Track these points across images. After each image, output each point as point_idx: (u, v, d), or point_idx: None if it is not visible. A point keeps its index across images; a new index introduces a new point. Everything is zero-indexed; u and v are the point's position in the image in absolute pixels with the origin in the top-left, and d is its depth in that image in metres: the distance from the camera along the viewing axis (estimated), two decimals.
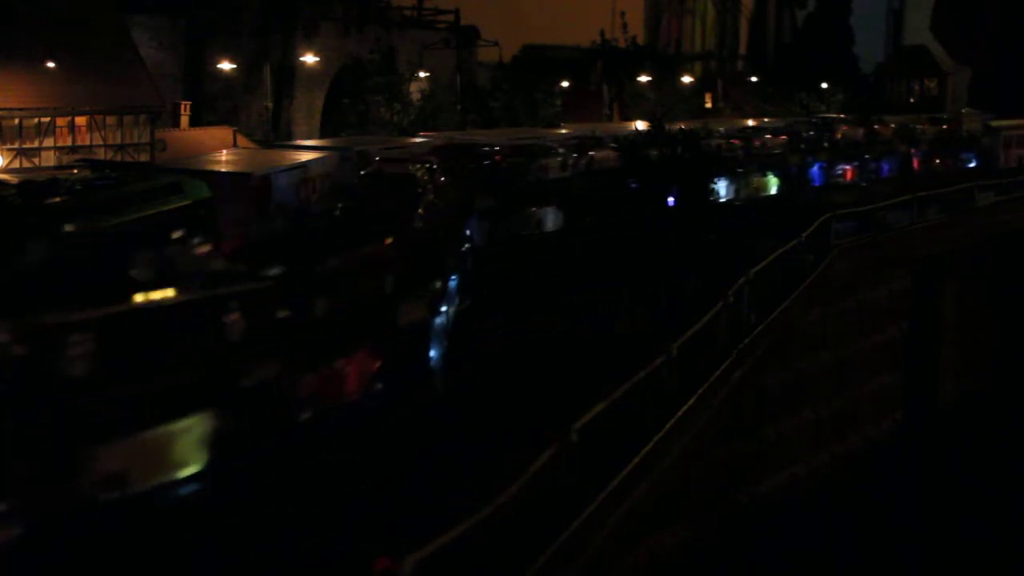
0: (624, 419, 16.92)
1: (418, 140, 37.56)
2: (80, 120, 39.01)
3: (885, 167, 52.58)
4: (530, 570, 13.39)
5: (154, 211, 20.10)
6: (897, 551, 28.17)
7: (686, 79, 74.04)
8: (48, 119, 38.01)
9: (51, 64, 37.70)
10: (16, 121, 37.30)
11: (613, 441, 16.56)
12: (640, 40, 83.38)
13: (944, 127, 59.09)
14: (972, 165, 56.79)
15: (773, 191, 42.73)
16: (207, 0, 51.15)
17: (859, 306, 33.86)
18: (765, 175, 43.29)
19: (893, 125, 56.83)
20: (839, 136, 51.83)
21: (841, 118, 56.94)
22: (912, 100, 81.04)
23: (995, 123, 60.38)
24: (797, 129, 51.23)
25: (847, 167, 49.40)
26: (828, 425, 31.97)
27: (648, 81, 70.52)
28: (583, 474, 15.22)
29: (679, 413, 19.06)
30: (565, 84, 66.15)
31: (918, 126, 57.90)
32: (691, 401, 19.67)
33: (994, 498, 31.31)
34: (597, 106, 70.54)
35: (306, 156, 29.47)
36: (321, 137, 50.01)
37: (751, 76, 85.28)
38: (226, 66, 49.35)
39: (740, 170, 42.51)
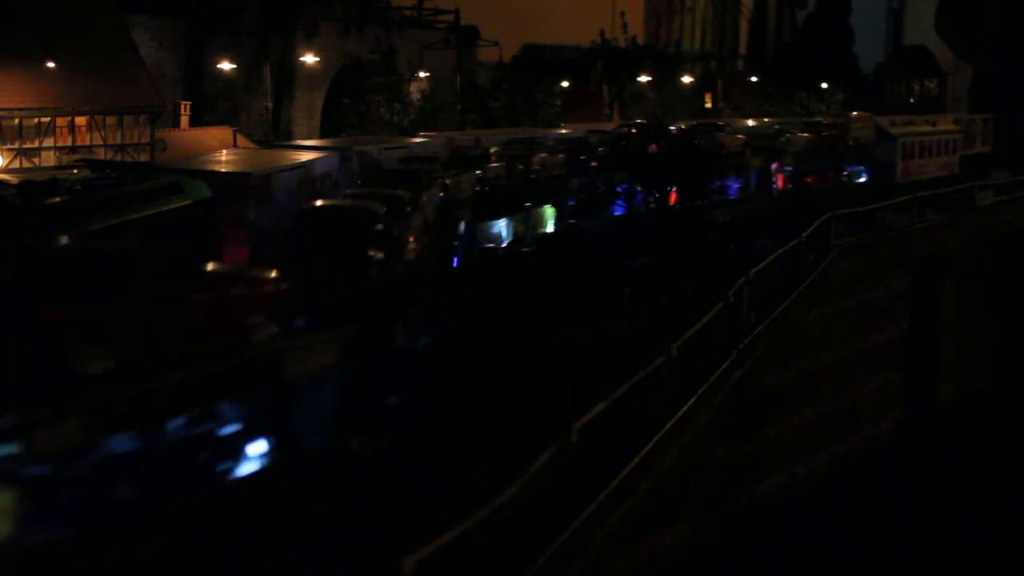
0: (624, 419, 16.93)
1: (418, 140, 37.49)
2: (80, 120, 39.01)
3: (733, 186, 40.93)
4: (530, 570, 13.39)
5: (154, 211, 20.10)
6: (897, 551, 28.17)
7: (686, 79, 74.07)
8: (48, 119, 38.02)
9: (51, 64, 37.71)
10: (16, 121, 37.30)
11: (613, 441, 16.57)
12: (640, 40, 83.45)
13: (825, 134, 47.02)
14: (862, 180, 47.13)
15: (549, 227, 32.67)
16: (207, 0, 51.15)
17: (859, 306, 33.87)
18: (542, 207, 32.64)
19: (761, 124, 46.06)
20: (654, 149, 38.95)
21: (660, 126, 44.16)
22: (912, 100, 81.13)
23: (896, 129, 49.77)
24: (585, 142, 37.87)
25: (671, 189, 37.85)
26: (828, 425, 31.98)
27: (648, 81, 70.54)
28: (583, 474, 15.22)
29: (679, 413, 19.08)
30: (565, 84, 66.13)
31: (788, 134, 45.34)
32: (691, 401, 19.69)
33: (994, 498, 31.32)
34: (597, 106, 70.56)
35: (306, 156, 29.43)
36: (321, 137, 50.00)
37: (751, 76, 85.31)
38: (226, 66, 49.36)
39: (528, 204, 31.72)
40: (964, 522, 29.88)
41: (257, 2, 52.50)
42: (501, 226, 30.18)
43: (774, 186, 42.66)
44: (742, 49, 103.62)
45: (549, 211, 32.69)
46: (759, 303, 24.78)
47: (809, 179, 44.10)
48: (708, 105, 77.30)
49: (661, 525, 20.71)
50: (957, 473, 32.92)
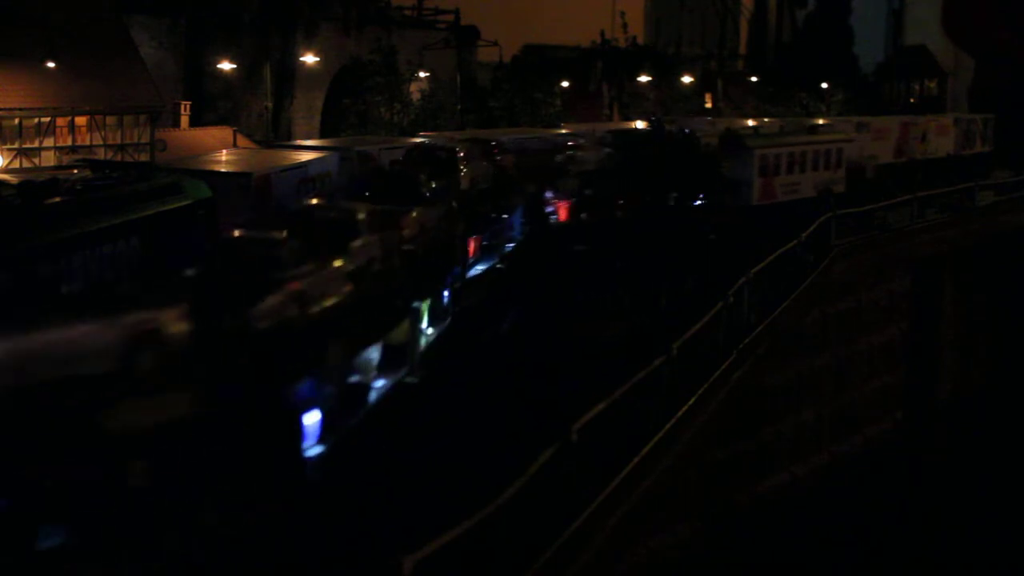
0: (624, 419, 16.93)
1: (418, 140, 37.45)
2: (80, 120, 39.02)
3: (516, 223, 30.18)
4: (530, 570, 13.39)
5: (154, 211, 20.08)
6: (897, 551, 28.18)
7: (686, 79, 74.10)
8: (48, 119, 38.03)
9: (51, 64, 37.71)
10: (16, 121, 37.31)
11: (613, 441, 16.57)
12: (640, 40, 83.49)
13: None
14: (697, 204, 35.84)
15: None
16: (207, 0, 51.15)
17: (859, 306, 33.89)
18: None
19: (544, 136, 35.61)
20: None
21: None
22: (912, 100, 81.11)
23: (754, 141, 38.79)
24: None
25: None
26: (828, 425, 32.00)
27: (648, 81, 70.57)
28: (583, 474, 15.22)
29: (679, 413, 19.08)
30: (565, 84, 66.16)
31: (579, 150, 34.32)
32: (691, 401, 19.69)
33: (994, 498, 31.33)
34: (597, 106, 70.59)
35: (306, 156, 29.42)
36: (321, 137, 50.00)
37: (751, 76, 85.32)
38: (226, 66, 49.35)
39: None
40: (964, 521, 29.89)
41: (257, 2, 52.51)
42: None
43: (553, 219, 31.10)
44: (742, 49, 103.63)
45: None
46: (759, 303, 24.78)
47: (614, 206, 32.40)
48: (708, 105, 77.30)
49: (661, 525, 20.72)
50: (957, 473, 32.94)
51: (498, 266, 27.53)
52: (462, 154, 28.76)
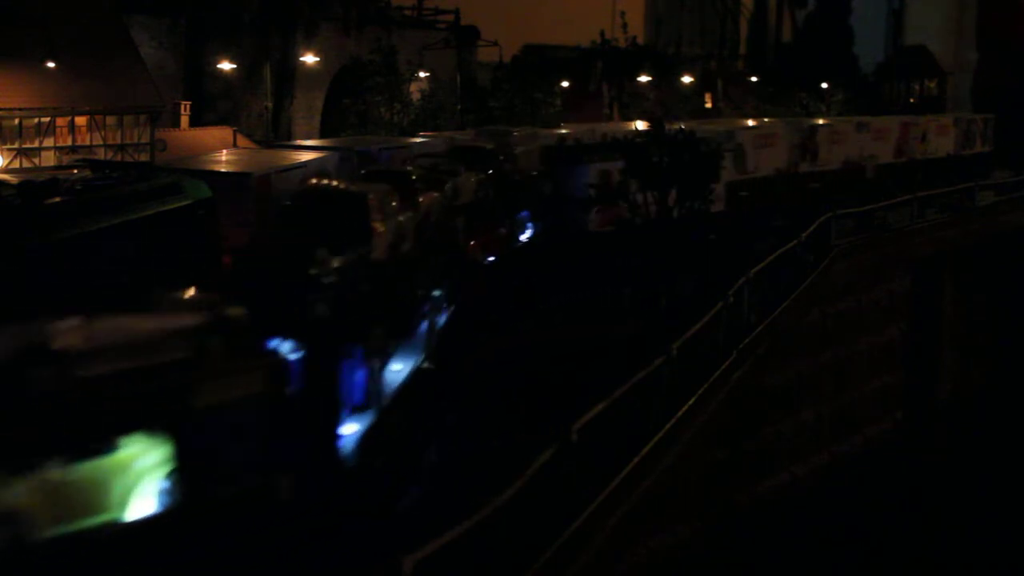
0: (624, 419, 16.94)
1: (418, 140, 37.44)
2: (80, 120, 38.99)
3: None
4: (530, 570, 13.40)
5: (154, 211, 20.08)
6: (897, 551, 28.18)
7: (686, 79, 74.02)
8: (48, 119, 38.00)
9: (51, 64, 37.69)
10: (16, 121, 37.29)
11: (613, 441, 16.58)
12: (640, 40, 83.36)
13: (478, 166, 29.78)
14: (525, 236, 29.68)
15: None
16: (207, 0, 51.13)
17: (859, 306, 33.88)
18: None
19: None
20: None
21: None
22: (912, 100, 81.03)
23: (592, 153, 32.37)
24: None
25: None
26: (828, 425, 31.99)
27: (648, 81, 70.51)
28: (583, 474, 15.22)
29: (679, 413, 19.09)
30: (565, 84, 66.14)
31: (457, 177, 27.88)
32: (691, 401, 19.71)
33: (994, 498, 31.32)
34: (597, 106, 70.53)
35: (306, 156, 29.42)
36: (321, 137, 49.99)
37: (751, 76, 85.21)
38: (226, 66, 49.32)
39: None
40: (964, 521, 29.89)
41: (257, 2, 52.47)
42: None
43: None
44: (742, 49, 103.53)
45: None
46: (759, 303, 24.79)
47: (472, 243, 26.39)
48: (708, 105, 77.25)
49: (661, 525, 20.72)
50: (957, 473, 32.93)
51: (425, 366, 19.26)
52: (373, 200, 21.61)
